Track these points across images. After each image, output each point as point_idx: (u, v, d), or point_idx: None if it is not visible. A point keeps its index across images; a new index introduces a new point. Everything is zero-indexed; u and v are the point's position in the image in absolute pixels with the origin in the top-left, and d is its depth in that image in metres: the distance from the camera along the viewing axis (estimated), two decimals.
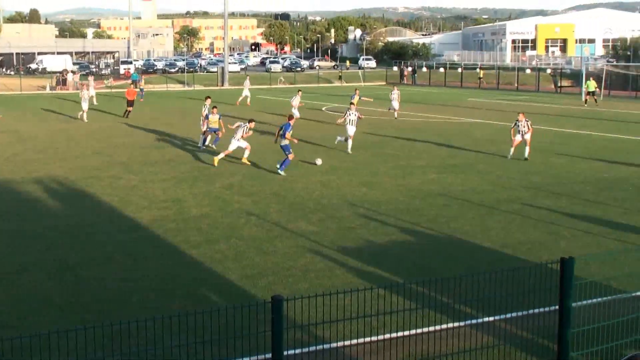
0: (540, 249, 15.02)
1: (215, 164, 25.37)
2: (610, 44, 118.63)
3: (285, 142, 24.19)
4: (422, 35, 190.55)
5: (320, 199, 19.99)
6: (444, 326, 10.42)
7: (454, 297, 10.93)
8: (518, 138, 26.87)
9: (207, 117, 29.55)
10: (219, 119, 29.46)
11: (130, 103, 45.37)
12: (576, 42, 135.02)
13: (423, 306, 10.76)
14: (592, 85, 55.66)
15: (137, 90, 53.18)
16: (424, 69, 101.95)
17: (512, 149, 27.02)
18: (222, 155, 25.70)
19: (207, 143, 30.17)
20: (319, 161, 25.84)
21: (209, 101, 30.85)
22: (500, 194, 20.72)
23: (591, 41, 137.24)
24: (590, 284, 10.49)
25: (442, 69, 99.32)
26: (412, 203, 19.53)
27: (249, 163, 25.35)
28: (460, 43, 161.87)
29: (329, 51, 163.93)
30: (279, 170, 23.85)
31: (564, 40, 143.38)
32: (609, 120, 42.55)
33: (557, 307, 8.15)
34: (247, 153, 25.44)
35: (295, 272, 13.40)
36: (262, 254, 14.59)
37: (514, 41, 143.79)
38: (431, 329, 10.17)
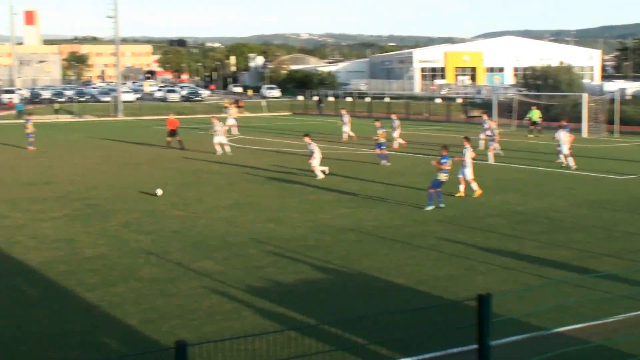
0: (456, 284, 15.30)
1: None
2: (520, 72, 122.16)
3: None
4: (328, 63, 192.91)
5: (224, 237, 19.90)
6: None
7: (369, 338, 11.02)
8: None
9: None
10: None
11: (171, 133, 45.12)
12: (486, 71, 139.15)
13: (337, 348, 10.80)
14: (536, 114, 55.83)
15: (26, 131, 45.03)
16: (331, 99, 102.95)
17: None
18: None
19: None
20: (159, 192, 26.48)
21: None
22: (414, 229, 21.03)
23: (500, 69, 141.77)
24: (508, 321, 10.75)
25: (349, 98, 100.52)
26: (322, 239, 19.64)
27: None
28: (367, 71, 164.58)
29: (226, 79, 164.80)
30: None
31: (473, 69, 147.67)
32: (521, 151, 43.67)
33: (475, 345, 8.29)
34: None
35: (200, 314, 13.30)
36: (164, 296, 14.44)
37: (422, 69, 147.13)
38: None
